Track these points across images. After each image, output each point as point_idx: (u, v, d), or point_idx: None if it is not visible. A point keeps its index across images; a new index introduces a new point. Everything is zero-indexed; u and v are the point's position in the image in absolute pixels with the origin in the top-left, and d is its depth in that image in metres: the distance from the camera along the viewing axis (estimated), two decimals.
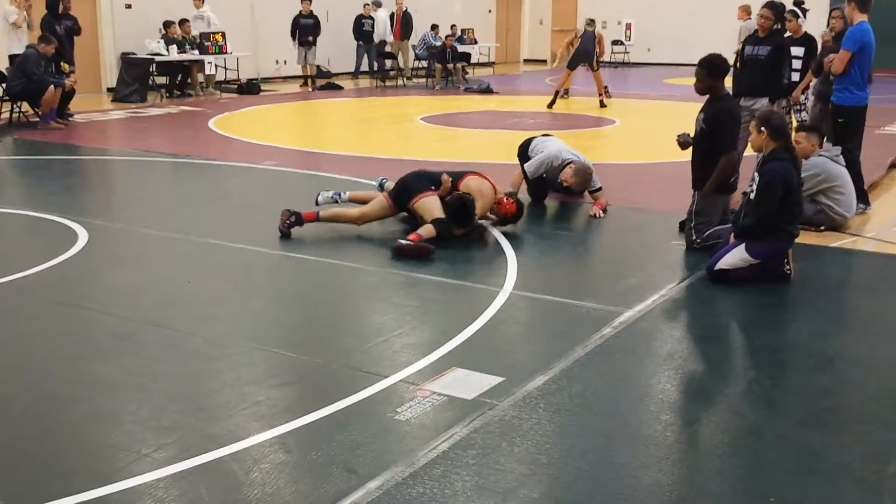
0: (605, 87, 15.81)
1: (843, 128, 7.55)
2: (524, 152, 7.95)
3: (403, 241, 6.13)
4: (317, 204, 7.14)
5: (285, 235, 6.50)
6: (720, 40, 15.58)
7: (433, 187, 6.62)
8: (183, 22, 16.83)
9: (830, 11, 8.52)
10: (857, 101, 7.52)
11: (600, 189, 7.64)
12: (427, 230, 6.29)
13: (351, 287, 5.67)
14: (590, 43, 15.50)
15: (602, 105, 15.39)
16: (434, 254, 6.07)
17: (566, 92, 16.10)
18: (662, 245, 6.58)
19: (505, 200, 6.81)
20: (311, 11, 18.80)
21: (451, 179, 6.68)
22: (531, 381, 4.05)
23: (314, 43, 18.91)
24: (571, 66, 15.68)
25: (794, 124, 8.33)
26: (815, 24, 8.81)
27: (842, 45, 7.47)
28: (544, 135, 8.19)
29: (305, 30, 18.75)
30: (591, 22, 15.93)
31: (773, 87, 7.78)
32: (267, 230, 6.61)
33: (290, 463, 3.34)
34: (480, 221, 6.79)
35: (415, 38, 21.38)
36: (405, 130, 13.30)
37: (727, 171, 6.28)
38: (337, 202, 7.18)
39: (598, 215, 7.34)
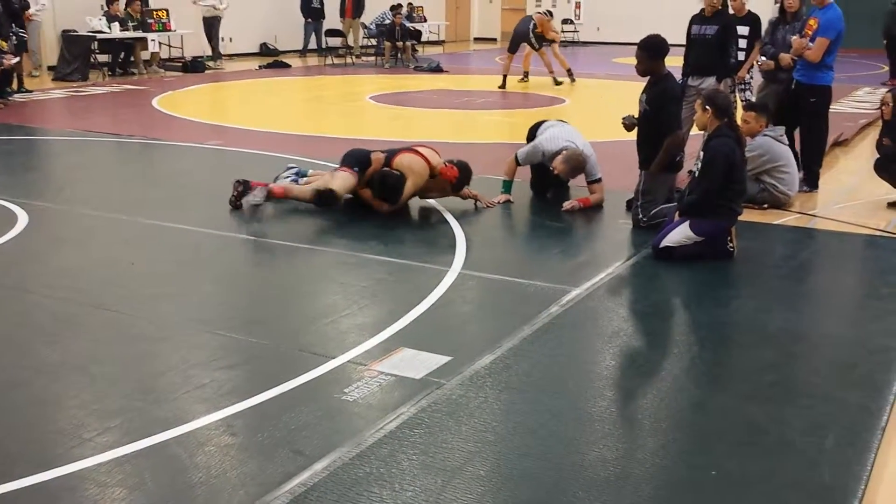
0: (571, 69, 15.83)
1: (816, 107, 7.57)
2: (532, 137, 7.43)
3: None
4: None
5: (236, 208, 6.46)
6: (669, 20, 15.66)
7: (356, 168, 6.53)
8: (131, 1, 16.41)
9: None
10: (827, 80, 7.54)
11: (599, 181, 6.95)
12: (303, 191, 6.43)
13: (298, 267, 5.63)
14: (525, 24, 15.49)
15: (556, 83, 15.39)
16: (252, 191, 6.39)
17: (525, 75, 16.05)
18: (610, 224, 6.63)
19: (446, 169, 6.62)
20: None
21: (384, 157, 6.59)
22: (479, 360, 4.06)
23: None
24: (512, 49, 15.60)
25: (740, 103, 8.38)
26: (759, 2, 8.65)
27: (820, 32, 7.33)
28: (559, 120, 7.70)
29: None
30: (547, 14, 16.01)
31: (720, 66, 7.80)
32: (212, 211, 6.53)
33: (235, 445, 3.32)
34: (431, 201, 6.78)
35: (367, 18, 21.11)
36: (354, 109, 13.19)
37: (673, 150, 6.33)
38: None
39: (573, 208, 6.77)
